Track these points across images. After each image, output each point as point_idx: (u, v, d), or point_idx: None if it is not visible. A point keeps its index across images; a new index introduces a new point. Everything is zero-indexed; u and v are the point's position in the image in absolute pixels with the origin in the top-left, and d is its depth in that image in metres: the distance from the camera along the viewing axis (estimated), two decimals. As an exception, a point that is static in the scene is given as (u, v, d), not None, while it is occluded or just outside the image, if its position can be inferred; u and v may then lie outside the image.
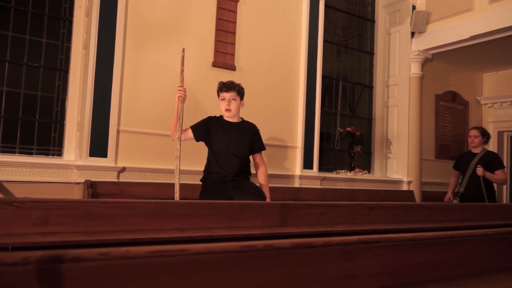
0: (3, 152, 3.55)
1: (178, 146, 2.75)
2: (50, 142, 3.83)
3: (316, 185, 4.77)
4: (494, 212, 2.87)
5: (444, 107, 6.22)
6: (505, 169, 4.32)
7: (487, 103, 6.60)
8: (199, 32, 4.13)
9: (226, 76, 4.24)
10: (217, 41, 4.21)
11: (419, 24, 5.39)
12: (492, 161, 4.20)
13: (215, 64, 4.17)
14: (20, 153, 3.64)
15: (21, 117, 3.69)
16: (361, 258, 1.10)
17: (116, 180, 3.66)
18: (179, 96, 2.82)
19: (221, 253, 0.86)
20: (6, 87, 3.63)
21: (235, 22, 4.31)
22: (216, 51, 4.19)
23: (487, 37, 4.88)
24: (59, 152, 3.84)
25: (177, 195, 2.69)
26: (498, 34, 4.76)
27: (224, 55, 4.23)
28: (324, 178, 4.85)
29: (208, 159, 3.06)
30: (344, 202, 2.30)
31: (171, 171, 3.89)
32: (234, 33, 4.30)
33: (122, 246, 0.77)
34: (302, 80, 4.70)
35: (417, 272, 1.29)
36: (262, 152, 3.17)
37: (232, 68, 4.27)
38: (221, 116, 3.05)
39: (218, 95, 3.01)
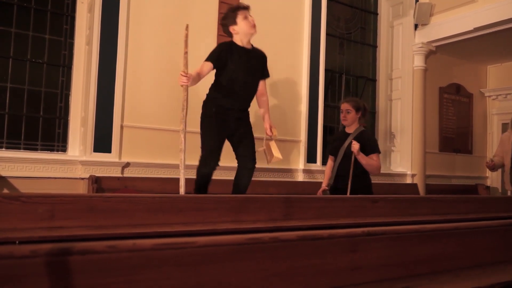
0: (8, 148, 3.57)
1: (182, 139, 2.64)
2: (55, 138, 3.84)
3: (320, 178, 4.76)
4: (498, 204, 2.87)
5: (448, 99, 6.19)
6: (380, 155, 3.46)
7: (491, 95, 6.57)
8: (201, 27, 4.12)
9: (229, 70, 4.23)
10: (220, 35, 4.20)
11: (423, 16, 5.36)
12: (365, 144, 3.32)
13: (217, 59, 4.16)
14: (25, 149, 3.66)
15: (25, 113, 3.70)
16: (366, 250, 1.11)
17: (120, 175, 3.68)
18: (182, 85, 2.63)
19: (227, 245, 0.86)
20: (10, 83, 3.65)
21: (237, 16, 4.29)
22: (219, 45, 4.18)
23: (491, 29, 4.84)
24: (63, 148, 3.85)
25: (182, 190, 2.63)
26: (502, 25, 4.72)
27: (226, 50, 4.21)
28: (327, 172, 4.84)
29: (216, 86, 2.96)
30: (348, 195, 2.30)
31: (175, 166, 3.90)
32: (236, 27, 4.28)
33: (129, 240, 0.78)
34: (305, 73, 4.68)
35: (421, 263, 1.29)
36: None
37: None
38: (232, 42, 2.94)
39: (237, 15, 2.90)
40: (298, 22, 4.69)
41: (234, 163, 4.18)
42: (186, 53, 2.65)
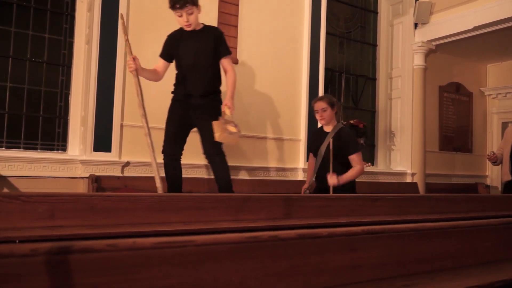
0: (8, 147, 3.57)
1: (145, 124, 2.63)
2: (54, 137, 3.84)
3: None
4: (498, 203, 2.87)
5: (448, 98, 6.19)
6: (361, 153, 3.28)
7: (491, 94, 6.57)
8: (201, 26, 4.12)
9: (228, 69, 4.23)
10: (219, 34, 4.20)
11: (422, 15, 5.35)
12: (345, 143, 3.16)
13: (217, 58, 4.17)
14: (25, 148, 3.66)
15: (25, 113, 3.70)
16: (365, 248, 1.11)
17: (120, 174, 3.68)
18: (130, 71, 2.67)
19: (226, 244, 0.86)
20: (9, 82, 3.65)
21: (237, 15, 4.29)
22: (219, 44, 4.18)
23: (491, 27, 4.84)
24: (63, 147, 3.86)
25: (159, 186, 2.57)
26: (502, 24, 4.72)
27: (226, 49, 4.21)
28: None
29: (176, 76, 2.99)
30: (348, 194, 2.31)
31: (175, 165, 3.90)
32: (236, 27, 4.28)
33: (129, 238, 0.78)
34: (305, 72, 4.68)
35: (421, 262, 1.30)
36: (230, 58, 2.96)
37: (235, 61, 4.26)
38: (180, 29, 2.92)
39: (173, 10, 2.83)
40: (298, 21, 4.69)
41: (235, 162, 4.20)
42: (127, 40, 2.68)
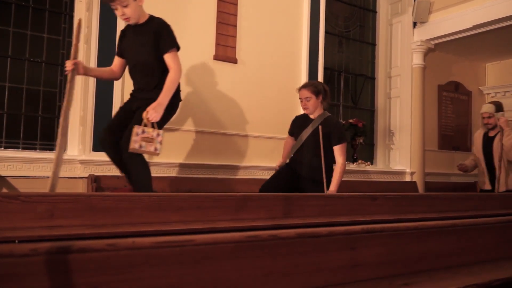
0: (7, 147, 3.57)
1: (61, 124, 2.34)
2: (53, 137, 3.84)
3: (319, 177, 4.77)
4: (497, 201, 2.87)
5: (447, 97, 6.19)
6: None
7: (490, 93, 6.57)
8: (200, 25, 4.12)
9: (227, 69, 4.23)
10: (218, 34, 4.19)
11: (421, 14, 5.36)
12: (331, 133, 3.09)
13: (216, 57, 4.17)
14: (24, 148, 3.66)
15: (24, 113, 3.70)
16: (365, 247, 1.11)
17: (119, 174, 3.67)
18: (67, 72, 2.44)
19: (226, 243, 0.87)
20: (8, 82, 3.64)
21: (236, 15, 4.29)
22: (217, 44, 4.18)
23: (490, 26, 4.84)
24: (62, 147, 3.85)
25: (52, 182, 2.26)
26: (501, 23, 4.73)
27: (225, 48, 4.22)
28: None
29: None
30: (347, 193, 2.31)
31: (175, 165, 3.90)
32: (235, 26, 4.28)
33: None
34: (304, 71, 4.68)
35: (420, 261, 1.30)
36: (173, 52, 2.61)
37: (234, 61, 4.26)
38: (128, 24, 2.73)
39: (109, 4, 2.63)
40: (297, 20, 4.69)
41: (234, 162, 4.20)
42: (75, 45, 2.48)
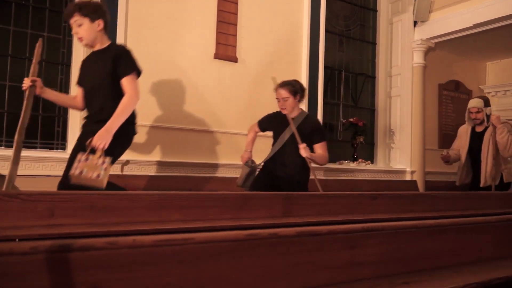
0: (7, 146, 3.57)
1: (16, 151, 2.28)
2: (54, 136, 3.84)
3: (319, 176, 4.77)
4: (497, 200, 2.87)
5: (447, 96, 6.19)
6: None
7: (491, 92, 6.56)
8: (200, 24, 4.12)
9: (228, 68, 4.23)
10: (219, 32, 4.19)
11: (422, 12, 5.35)
12: (312, 131, 3.07)
13: (216, 56, 4.16)
14: (25, 147, 3.64)
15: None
16: (365, 246, 1.11)
17: (120, 173, 3.68)
18: (24, 88, 2.35)
19: (226, 241, 0.87)
20: (8, 81, 3.64)
21: (236, 14, 4.29)
22: (218, 43, 4.18)
23: (490, 25, 4.83)
24: (63, 146, 3.85)
25: (8, 181, 2.17)
26: (501, 22, 4.72)
27: (226, 47, 4.21)
28: (327, 169, 4.85)
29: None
30: (348, 192, 2.31)
31: (175, 164, 3.90)
32: (235, 25, 4.28)
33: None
34: (304, 71, 4.68)
35: (420, 259, 1.30)
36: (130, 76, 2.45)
37: (234, 60, 4.26)
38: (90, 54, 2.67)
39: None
40: (297, 19, 4.69)
41: (234, 161, 4.20)
42: (34, 63, 2.39)
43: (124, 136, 2.52)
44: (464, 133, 4.29)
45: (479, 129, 4.16)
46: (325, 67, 4.98)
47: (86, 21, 2.49)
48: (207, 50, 4.15)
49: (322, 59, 4.82)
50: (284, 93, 3.05)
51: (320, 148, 3.05)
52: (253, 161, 3.27)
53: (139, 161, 3.77)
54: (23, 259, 0.64)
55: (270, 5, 4.50)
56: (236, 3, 4.29)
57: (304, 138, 2.98)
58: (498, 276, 1.31)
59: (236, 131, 4.24)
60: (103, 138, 2.31)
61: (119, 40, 3.68)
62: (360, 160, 5.35)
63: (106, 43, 2.62)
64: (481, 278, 1.28)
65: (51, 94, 2.58)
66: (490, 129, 4.04)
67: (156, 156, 3.86)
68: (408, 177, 5.49)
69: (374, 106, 5.82)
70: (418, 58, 5.53)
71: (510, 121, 5.99)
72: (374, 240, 1.14)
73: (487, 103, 4.12)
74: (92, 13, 2.50)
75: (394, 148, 5.67)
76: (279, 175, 3.10)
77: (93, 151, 2.33)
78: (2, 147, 3.55)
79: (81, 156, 2.29)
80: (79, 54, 3.87)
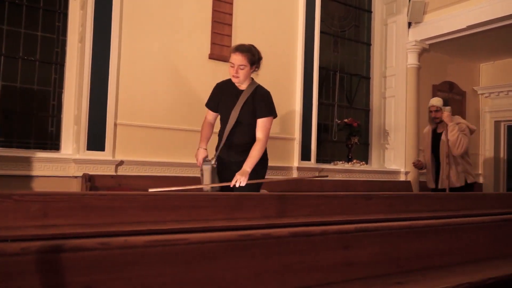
0: (1, 146, 3.54)
1: None
2: (47, 136, 3.82)
3: (314, 177, 4.78)
4: (490, 201, 2.89)
5: (441, 97, 6.21)
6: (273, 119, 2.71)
7: (484, 93, 6.61)
8: (195, 24, 4.11)
9: (223, 68, 4.22)
10: (214, 33, 4.19)
11: (416, 14, 5.38)
12: (259, 104, 2.67)
13: (211, 56, 4.16)
14: (18, 147, 3.63)
15: (18, 111, 3.67)
16: (358, 246, 1.12)
17: (114, 173, 3.66)
18: None
19: (220, 242, 0.86)
20: (2, 81, 3.62)
21: (231, 14, 4.28)
22: (213, 43, 4.17)
23: (484, 27, 4.87)
24: (56, 146, 3.83)
25: None
26: (495, 23, 4.76)
27: (220, 47, 4.21)
28: (321, 170, 4.86)
29: None
30: (342, 193, 2.32)
31: (169, 164, 3.89)
32: (230, 25, 4.28)
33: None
34: (299, 71, 4.69)
35: (414, 259, 1.30)
36: None
37: (227, 61, 4.25)
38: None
39: None
40: (292, 20, 4.69)
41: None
42: None
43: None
44: (426, 134, 4.26)
45: (439, 130, 4.10)
46: (320, 68, 4.99)
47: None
48: (202, 50, 4.14)
49: (317, 59, 4.82)
50: (242, 59, 2.61)
51: (261, 123, 2.62)
52: (208, 158, 2.74)
53: (133, 162, 3.76)
54: (13, 260, 0.64)
55: (265, 5, 4.50)
56: (231, 4, 4.29)
57: (252, 113, 2.63)
58: (491, 276, 1.32)
59: (231, 132, 4.23)
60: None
61: (113, 41, 3.67)
62: (354, 160, 5.36)
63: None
64: (474, 278, 1.28)
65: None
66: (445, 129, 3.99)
67: (150, 156, 3.85)
68: (402, 178, 5.52)
69: (368, 107, 5.84)
70: (412, 59, 5.56)
71: (505, 122, 6.02)
72: (368, 240, 1.15)
73: (446, 102, 4.11)
74: None
75: (388, 148, 5.70)
76: (233, 160, 2.69)
77: None
78: (-5, 147, 3.52)
79: None
80: (73, 53, 3.86)
